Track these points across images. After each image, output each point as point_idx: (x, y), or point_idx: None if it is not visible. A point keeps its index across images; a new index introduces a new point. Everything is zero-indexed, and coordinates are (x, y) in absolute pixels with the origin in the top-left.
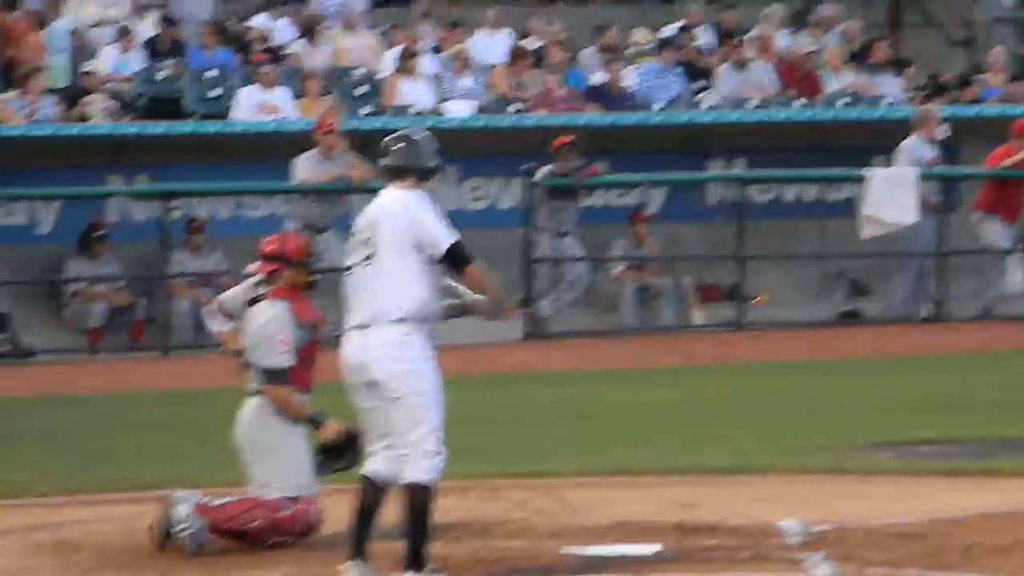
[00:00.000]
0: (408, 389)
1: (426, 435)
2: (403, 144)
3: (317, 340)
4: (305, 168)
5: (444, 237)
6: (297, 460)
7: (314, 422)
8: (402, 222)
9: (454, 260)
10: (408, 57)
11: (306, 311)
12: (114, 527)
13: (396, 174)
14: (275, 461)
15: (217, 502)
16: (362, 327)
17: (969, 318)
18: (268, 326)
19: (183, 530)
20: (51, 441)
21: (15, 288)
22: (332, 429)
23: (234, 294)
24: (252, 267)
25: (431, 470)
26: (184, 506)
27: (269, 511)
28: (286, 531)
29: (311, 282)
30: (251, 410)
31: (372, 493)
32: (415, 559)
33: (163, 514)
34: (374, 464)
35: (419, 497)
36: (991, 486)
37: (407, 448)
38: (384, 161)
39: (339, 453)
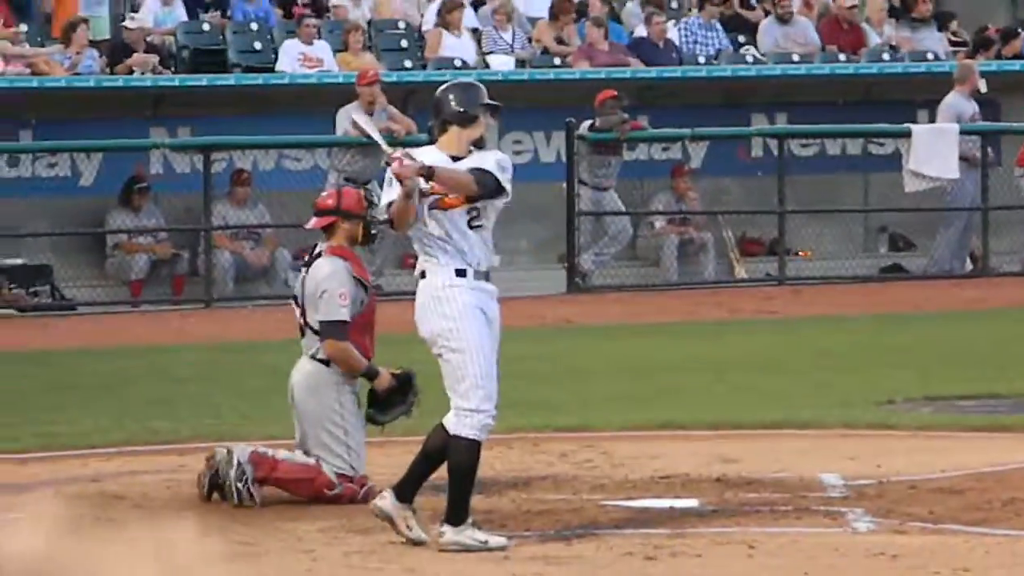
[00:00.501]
0: (445, 346)
1: (466, 392)
2: (457, 92)
3: (371, 301)
4: (347, 121)
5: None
6: (350, 441)
7: (370, 374)
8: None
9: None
10: (450, 10)
11: (362, 270)
12: (157, 478)
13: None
14: (329, 440)
15: (273, 455)
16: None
17: (1011, 273)
18: (329, 281)
19: (236, 479)
20: (95, 393)
21: (57, 240)
22: (386, 379)
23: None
24: (310, 222)
25: (474, 426)
26: (239, 454)
27: (320, 488)
28: (329, 503)
29: (372, 235)
30: (307, 376)
31: (438, 439)
32: (453, 513)
33: (213, 464)
34: (450, 412)
35: (460, 450)
36: None
37: (453, 402)
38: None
39: (392, 402)
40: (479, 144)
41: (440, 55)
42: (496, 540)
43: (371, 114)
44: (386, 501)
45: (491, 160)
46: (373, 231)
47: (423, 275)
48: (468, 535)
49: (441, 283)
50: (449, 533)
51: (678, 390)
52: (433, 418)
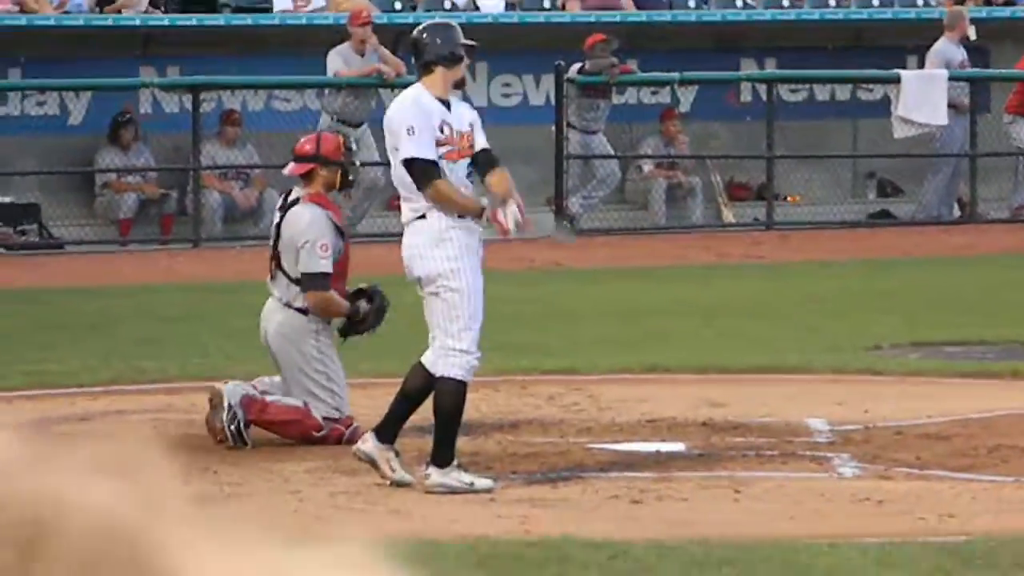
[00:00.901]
0: (443, 286)
1: (458, 332)
2: (438, 33)
3: (346, 247)
4: (337, 62)
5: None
6: (333, 385)
7: (352, 315)
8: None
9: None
10: None
11: (339, 217)
12: (145, 417)
13: (430, 66)
14: (312, 386)
15: (263, 398)
16: (405, 224)
17: (998, 220)
18: (309, 230)
19: (228, 422)
20: (83, 332)
21: (45, 179)
22: (364, 310)
23: None
24: (288, 168)
25: (462, 366)
26: (230, 396)
27: (308, 429)
28: (319, 443)
29: (350, 181)
30: (282, 325)
31: (417, 378)
32: (439, 454)
33: (217, 404)
34: (428, 352)
35: (448, 392)
36: (1018, 388)
37: (441, 343)
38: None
39: (367, 322)
40: (460, 84)
41: None
42: (482, 482)
43: (362, 54)
44: (368, 444)
45: (479, 130)
46: (351, 177)
47: (422, 217)
48: (454, 476)
49: (445, 225)
50: (435, 475)
51: (666, 334)
52: (411, 358)
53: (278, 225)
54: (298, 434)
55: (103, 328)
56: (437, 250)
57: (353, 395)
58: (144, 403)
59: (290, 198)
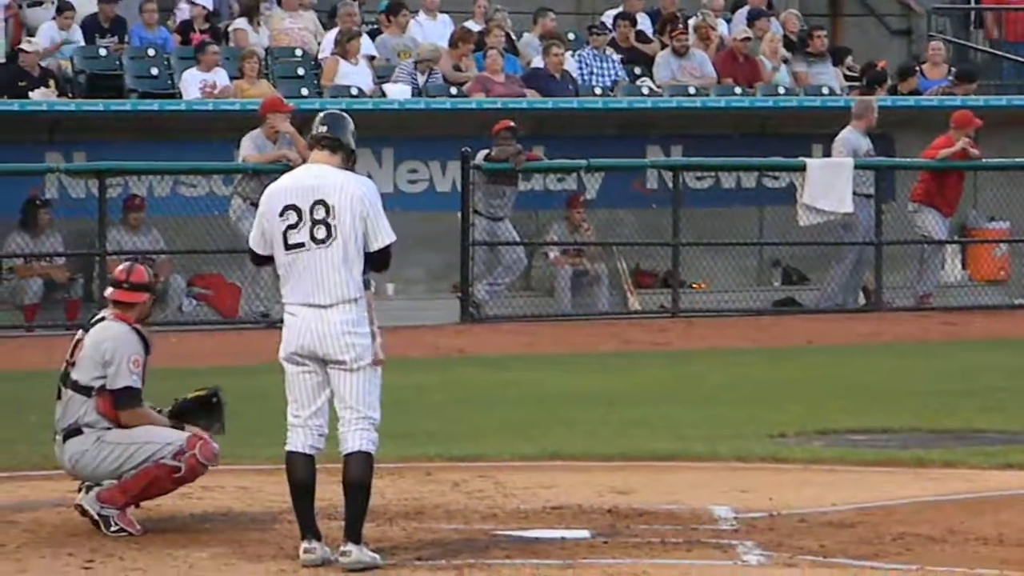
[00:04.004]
0: (365, 362)
1: (376, 407)
2: (342, 120)
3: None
4: (248, 147)
5: (387, 234)
6: (150, 437)
7: (176, 422)
8: (360, 208)
9: (381, 258)
10: (348, 39)
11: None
12: (48, 504)
13: (332, 146)
14: (140, 455)
15: (116, 482)
16: (323, 306)
17: (904, 308)
18: (123, 346)
19: (106, 529)
20: None
21: None
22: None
23: None
24: (119, 294)
25: (376, 441)
26: (90, 507)
27: (170, 476)
28: (190, 481)
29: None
30: (80, 455)
31: (307, 467)
32: (360, 530)
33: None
34: (303, 438)
35: (366, 467)
36: (923, 476)
37: (356, 418)
38: (324, 131)
39: (198, 416)
40: None
41: (337, 83)
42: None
43: (274, 141)
44: (354, 554)
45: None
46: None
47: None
48: (367, 552)
49: (363, 312)
50: (355, 552)
51: (571, 421)
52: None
53: (77, 342)
54: (168, 485)
55: (7, 414)
56: (361, 328)
57: (263, 480)
58: (48, 489)
59: (97, 318)
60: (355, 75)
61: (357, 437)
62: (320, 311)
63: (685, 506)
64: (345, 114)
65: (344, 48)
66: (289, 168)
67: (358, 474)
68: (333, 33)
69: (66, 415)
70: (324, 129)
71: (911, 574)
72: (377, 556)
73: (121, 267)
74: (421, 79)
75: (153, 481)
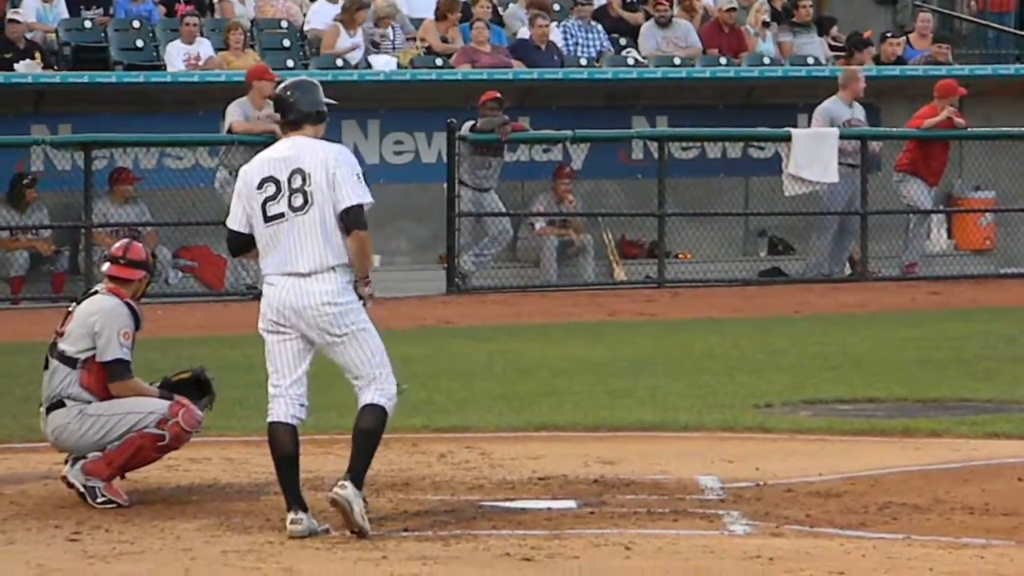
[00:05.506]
0: (356, 325)
1: (385, 371)
2: (306, 91)
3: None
4: (236, 113)
5: (356, 195)
6: (135, 407)
7: (166, 392)
8: (330, 170)
9: (351, 219)
10: (357, 8)
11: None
12: (35, 476)
13: (302, 120)
14: (122, 426)
15: (100, 454)
16: (302, 275)
17: (890, 277)
18: (113, 319)
19: (92, 500)
20: None
21: None
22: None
23: None
24: (115, 269)
25: (392, 397)
26: (76, 479)
27: (154, 445)
28: (175, 448)
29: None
30: (62, 428)
31: (290, 437)
32: (362, 474)
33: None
34: (285, 408)
35: (377, 419)
36: (910, 446)
37: (367, 376)
38: (292, 109)
39: (188, 392)
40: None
41: (336, 51)
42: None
43: (260, 109)
44: (348, 489)
45: (360, 185)
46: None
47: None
48: (360, 500)
49: (345, 280)
50: (351, 490)
51: (557, 392)
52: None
53: (69, 312)
54: (154, 455)
55: None
56: (341, 296)
57: (249, 451)
58: (35, 461)
59: (89, 291)
60: (351, 46)
61: (372, 393)
62: (299, 280)
63: (671, 476)
64: (305, 80)
65: (352, 17)
66: (275, 140)
67: (367, 423)
68: (318, 4)
69: (50, 386)
70: (295, 105)
71: (897, 544)
72: (367, 524)
73: (119, 243)
74: (378, 35)
75: (137, 451)
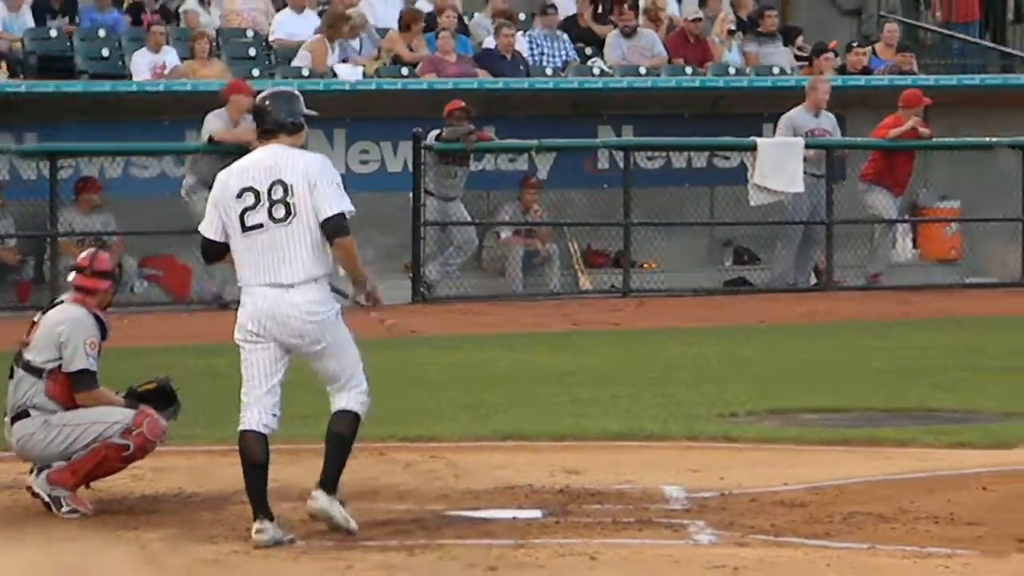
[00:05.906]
0: (335, 337)
1: (360, 372)
2: (286, 101)
3: None
4: (216, 123)
5: (337, 204)
6: (102, 417)
7: (132, 401)
8: (310, 179)
9: (332, 228)
10: (346, 22)
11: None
12: (1, 486)
13: (280, 129)
14: (88, 435)
15: (65, 462)
16: (285, 286)
17: (855, 287)
18: (80, 330)
19: (57, 509)
20: None
21: None
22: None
23: None
24: (82, 280)
25: (366, 404)
26: (41, 489)
27: (119, 455)
28: (140, 458)
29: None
30: (28, 438)
31: (261, 445)
32: (334, 481)
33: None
34: (257, 416)
35: (350, 424)
36: (876, 455)
37: (343, 387)
38: (271, 118)
39: (153, 403)
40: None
41: (328, 67)
42: (354, 524)
43: (236, 124)
44: (321, 500)
45: (340, 194)
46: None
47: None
48: (336, 508)
49: (327, 290)
50: (323, 499)
51: (523, 401)
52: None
53: (35, 322)
54: (118, 465)
55: None
56: (322, 307)
57: (215, 461)
58: (0, 471)
59: (55, 301)
60: (334, 58)
61: (346, 398)
62: (282, 291)
63: (636, 486)
64: (285, 89)
65: (339, 31)
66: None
67: (340, 427)
68: (284, 14)
69: (15, 395)
70: (271, 114)
71: (862, 553)
72: (352, 523)
73: (85, 253)
74: (355, 46)
75: (102, 461)
